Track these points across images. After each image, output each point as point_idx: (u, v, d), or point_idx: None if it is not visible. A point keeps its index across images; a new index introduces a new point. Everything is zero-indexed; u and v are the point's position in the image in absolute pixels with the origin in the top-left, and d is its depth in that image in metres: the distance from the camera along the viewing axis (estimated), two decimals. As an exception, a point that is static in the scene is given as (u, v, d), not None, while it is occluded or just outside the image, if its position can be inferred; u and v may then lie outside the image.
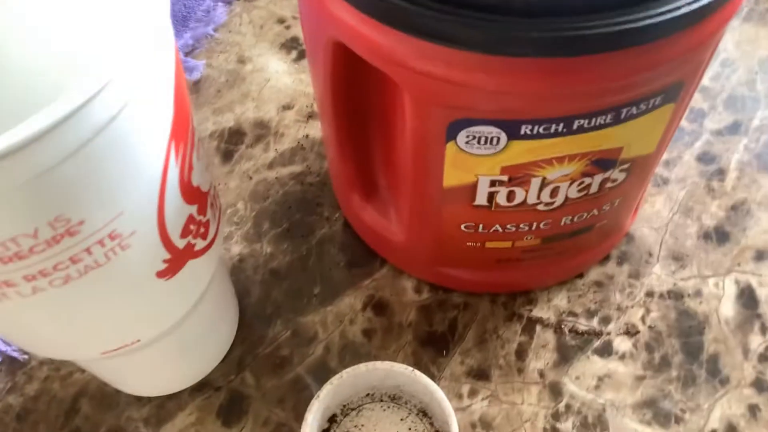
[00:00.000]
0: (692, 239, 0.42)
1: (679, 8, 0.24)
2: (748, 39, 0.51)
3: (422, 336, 0.39)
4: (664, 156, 0.45)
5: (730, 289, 0.40)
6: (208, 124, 0.48)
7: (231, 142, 0.47)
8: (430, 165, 0.30)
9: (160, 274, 0.27)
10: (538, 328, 0.39)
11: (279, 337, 0.39)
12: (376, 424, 0.35)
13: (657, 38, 0.24)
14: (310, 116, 0.48)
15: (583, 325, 0.39)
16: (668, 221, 0.43)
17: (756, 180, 0.44)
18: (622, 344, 0.38)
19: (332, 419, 0.35)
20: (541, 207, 0.32)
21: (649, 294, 0.40)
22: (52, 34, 0.24)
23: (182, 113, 0.24)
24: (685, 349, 0.38)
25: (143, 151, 0.22)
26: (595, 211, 0.34)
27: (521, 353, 0.38)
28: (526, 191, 0.31)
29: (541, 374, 0.38)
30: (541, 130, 0.27)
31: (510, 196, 0.31)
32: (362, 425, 0.35)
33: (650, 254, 0.41)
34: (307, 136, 0.47)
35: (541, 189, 0.31)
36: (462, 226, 0.34)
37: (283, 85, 0.50)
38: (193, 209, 0.27)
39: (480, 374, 0.38)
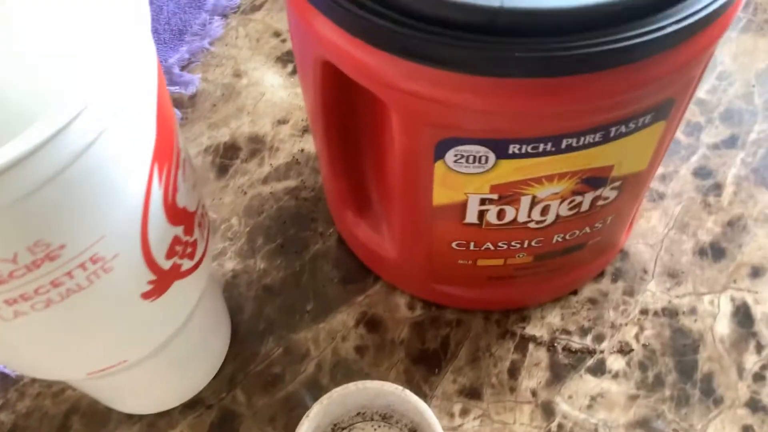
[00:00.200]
0: (688, 255, 0.42)
1: (666, 26, 0.23)
2: (746, 51, 0.50)
3: (414, 353, 0.39)
4: (660, 170, 0.44)
5: (725, 307, 0.40)
6: (203, 139, 0.48)
7: (226, 157, 0.47)
8: (420, 183, 0.30)
9: (146, 296, 0.26)
10: (531, 346, 0.39)
11: (271, 354, 0.39)
12: (367, 444, 0.35)
13: (645, 57, 0.24)
14: (305, 130, 0.48)
15: (576, 343, 0.39)
16: (663, 237, 0.42)
17: (753, 195, 0.44)
18: (615, 363, 0.38)
19: (323, 438, 0.35)
20: (532, 225, 0.32)
21: (644, 311, 0.40)
22: (30, 56, 0.24)
23: (165, 135, 0.24)
24: (679, 367, 0.38)
25: (124, 175, 0.22)
26: (588, 229, 0.34)
27: (514, 371, 0.38)
28: (517, 209, 0.31)
29: (534, 393, 0.37)
30: (529, 149, 0.27)
31: (500, 214, 0.31)
32: (353, 444, 0.35)
33: (645, 271, 0.41)
34: (302, 150, 0.47)
35: (531, 207, 0.31)
36: (453, 244, 0.34)
37: (279, 99, 0.50)
38: (178, 230, 0.27)
39: (472, 393, 0.37)
